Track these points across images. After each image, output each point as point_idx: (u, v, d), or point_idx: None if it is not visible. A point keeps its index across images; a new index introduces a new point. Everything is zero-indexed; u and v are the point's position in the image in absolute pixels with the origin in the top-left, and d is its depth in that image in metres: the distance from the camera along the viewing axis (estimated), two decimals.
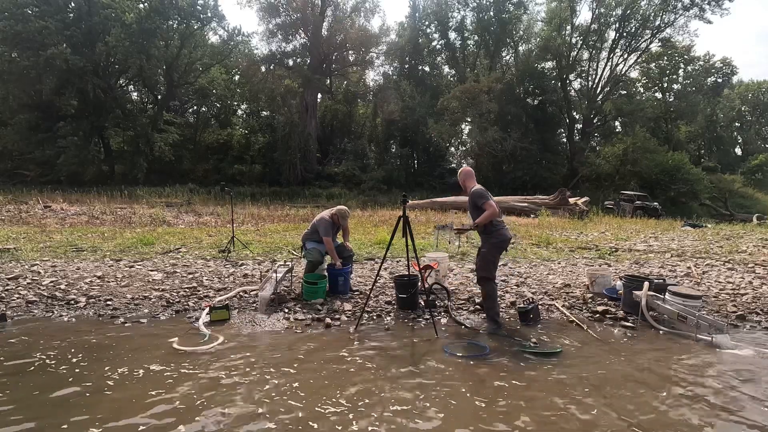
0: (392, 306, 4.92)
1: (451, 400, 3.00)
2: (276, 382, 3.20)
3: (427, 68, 35.29)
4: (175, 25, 26.46)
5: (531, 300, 4.95)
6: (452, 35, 33.55)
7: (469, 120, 29.48)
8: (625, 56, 30.51)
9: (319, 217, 5.45)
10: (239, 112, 36.09)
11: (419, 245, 6.94)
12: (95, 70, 24.62)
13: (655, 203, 20.31)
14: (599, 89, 31.10)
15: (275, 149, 28.25)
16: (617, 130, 33.35)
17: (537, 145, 28.24)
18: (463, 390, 3.13)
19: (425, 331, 4.28)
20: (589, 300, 5.18)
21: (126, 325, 4.30)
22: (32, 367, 3.36)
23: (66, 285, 5.31)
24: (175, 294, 5.16)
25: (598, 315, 4.73)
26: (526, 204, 17.06)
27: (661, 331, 4.31)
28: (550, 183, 26.02)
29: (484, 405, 2.95)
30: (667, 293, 4.57)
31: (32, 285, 5.26)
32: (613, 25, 29.81)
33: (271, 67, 29.89)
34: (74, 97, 24.71)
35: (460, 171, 4.77)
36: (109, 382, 3.15)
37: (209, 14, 27.26)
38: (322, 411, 2.84)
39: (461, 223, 6.38)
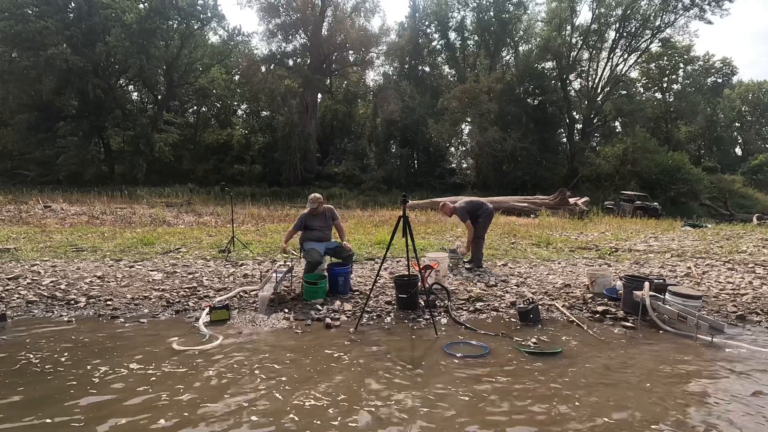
0: (392, 306, 4.92)
1: (451, 399, 3.00)
2: (274, 382, 3.19)
3: (427, 68, 35.26)
4: (175, 25, 26.46)
5: (531, 300, 4.95)
6: (452, 35, 33.55)
7: (469, 120, 29.48)
8: (625, 56, 30.50)
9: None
10: (239, 112, 36.09)
11: (419, 245, 6.95)
12: (95, 70, 24.64)
13: (655, 203, 20.30)
14: (599, 89, 31.09)
15: (275, 149, 28.24)
16: (617, 130, 33.34)
17: (537, 145, 28.22)
18: (463, 390, 3.13)
19: (425, 331, 4.28)
20: (589, 300, 5.18)
21: (126, 325, 4.30)
22: (25, 367, 3.36)
23: (66, 285, 5.31)
24: (175, 294, 5.16)
25: (598, 315, 4.73)
26: (526, 204, 17.05)
27: (661, 331, 4.32)
28: (550, 183, 26.02)
29: (483, 405, 2.94)
30: (667, 293, 4.57)
31: (32, 285, 5.25)
32: (613, 25, 29.78)
33: (271, 67, 29.87)
34: (74, 97, 24.70)
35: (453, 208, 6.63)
36: (104, 382, 3.15)
37: (209, 14, 27.29)
38: (322, 411, 2.84)
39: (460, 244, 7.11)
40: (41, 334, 4.00)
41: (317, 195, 5.48)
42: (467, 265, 6.59)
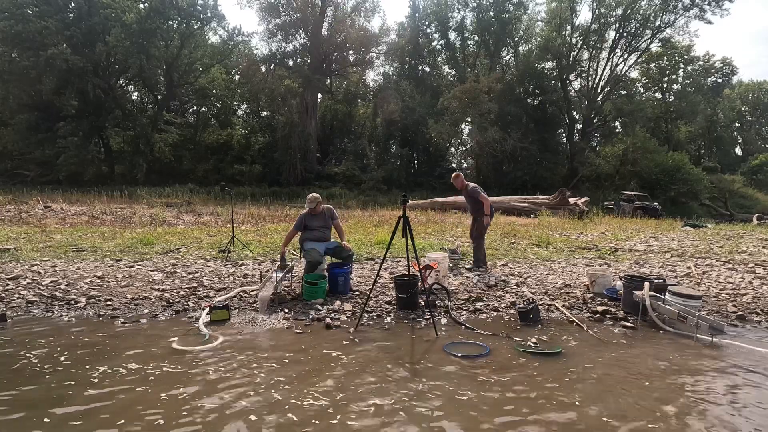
0: (392, 306, 4.92)
1: (451, 399, 3.00)
2: (273, 381, 3.19)
3: (427, 68, 35.26)
4: (175, 25, 26.47)
5: (531, 300, 4.94)
6: (452, 35, 33.56)
7: (469, 120, 29.48)
8: (625, 56, 30.52)
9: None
10: (239, 112, 36.09)
11: (419, 245, 6.94)
12: (95, 70, 24.63)
13: (655, 203, 20.29)
14: (599, 89, 31.09)
15: (275, 149, 28.24)
16: (617, 130, 33.36)
17: (537, 145, 28.24)
18: (463, 390, 3.13)
19: (425, 331, 4.28)
20: (589, 300, 5.18)
21: (126, 325, 4.30)
22: (24, 367, 3.36)
23: (66, 285, 5.31)
24: (175, 294, 5.16)
25: (598, 315, 4.73)
26: (526, 204, 17.06)
27: (661, 331, 4.31)
28: (550, 183, 26.02)
29: (483, 405, 2.94)
30: (667, 293, 4.57)
31: (32, 285, 5.26)
32: (613, 25, 29.79)
33: (271, 67, 29.86)
34: (74, 97, 24.69)
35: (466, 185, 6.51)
36: (104, 382, 3.15)
37: (209, 14, 27.29)
38: (321, 410, 2.84)
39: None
40: (41, 334, 4.00)
41: (315, 195, 5.49)
42: (467, 265, 6.59)
